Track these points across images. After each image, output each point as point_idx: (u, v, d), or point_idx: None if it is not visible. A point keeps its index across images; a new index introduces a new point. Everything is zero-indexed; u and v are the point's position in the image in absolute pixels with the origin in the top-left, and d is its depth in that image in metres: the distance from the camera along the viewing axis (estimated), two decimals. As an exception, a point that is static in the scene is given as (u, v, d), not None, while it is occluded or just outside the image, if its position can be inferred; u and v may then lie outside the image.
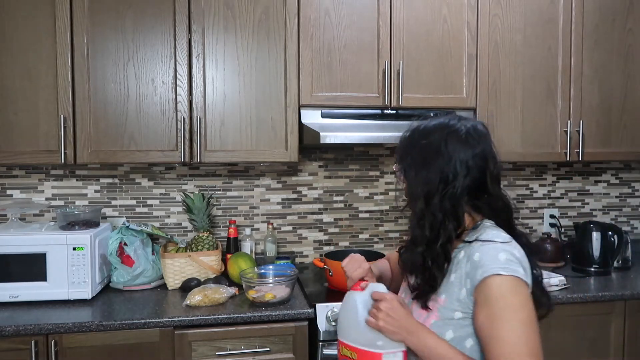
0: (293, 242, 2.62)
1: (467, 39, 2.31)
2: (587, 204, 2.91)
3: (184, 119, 2.13)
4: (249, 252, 2.42)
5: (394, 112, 2.27)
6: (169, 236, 2.39)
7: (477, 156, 1.14)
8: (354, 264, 1.29)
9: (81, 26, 2.05)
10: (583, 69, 2.42)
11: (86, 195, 2.42)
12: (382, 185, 2.69)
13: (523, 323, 1.03)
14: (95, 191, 2.43)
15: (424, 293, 1.16)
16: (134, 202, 2.46)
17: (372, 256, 1.69)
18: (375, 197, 2.68)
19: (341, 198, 2.65)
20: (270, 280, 2.04)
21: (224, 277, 2.19)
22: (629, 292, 2.15)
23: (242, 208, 2.56)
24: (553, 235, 2.69)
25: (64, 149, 2.04)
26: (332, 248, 2.64)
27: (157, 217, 2.48)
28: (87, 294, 1.99)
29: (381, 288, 1.19)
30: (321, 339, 1.89)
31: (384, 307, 1.13)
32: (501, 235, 1.12)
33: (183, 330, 1.85)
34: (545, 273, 2.26)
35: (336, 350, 1.47)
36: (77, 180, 2.41)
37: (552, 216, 2.82)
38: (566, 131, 2.41)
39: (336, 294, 2.06)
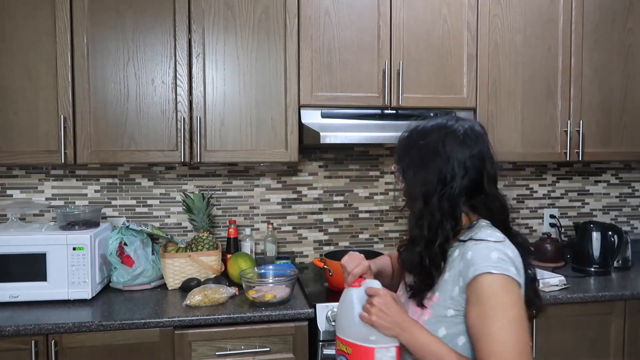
0: (293, 242, 2.62)
1: (467, 39, 2.31)
2: (587, 204, 2.91)
3: (184, 119, 2.13)
4: (249, 252, 2.42)
5: (394, 112, 2.27)
6: (169, 236, 2.39)
7: (475, 156, 1.15)
8: (354, 261, 1.30)
9: (81, 26, 2.05)
10: (583, 69, 2.42)
11: (86, 195, 2.42)
12: (382, 185, 2.69)
13: (513, 322, 1.04)
14: (95, 191, 2.43)
15: (420, 291, 1.17)
16: (134, 202, 2.46)
17: (372, 256, 1.68)
18: (375, 197, 2.68)
19: (341, 198, 2.65)
20: (270, 280, 2.04)
21: (224, 277, 2.19)
22: (629, 292, 2.15)
23: (242, 208, 2.56)
24: (553, 235, 2.69)
25: (64, 149, 2.04)
26: (332, 248, 2.64)
27: (157, 217, 2.48)
28: (87, 294, 1.99)
29: (376, 284, 1.22)
30: (321, 339, 1.89)
31: (376, 303, 1.15)
32: (495, 234, 1.13)
33: (183, 330, 1.85)
34: (545, 273, 2.27)
35: (336, 350, 1.48)
36: (77, 180, 2.41)
37: (552, 216, 2.82)
38: (566, 131, 2.41)
39: (336, 294, 2.04)
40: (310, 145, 2.49)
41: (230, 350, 1.87)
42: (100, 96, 2.08)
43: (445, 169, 1.14)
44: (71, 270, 1.97)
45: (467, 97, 2.32)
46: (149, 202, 2.47)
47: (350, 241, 2.67)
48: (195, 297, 1.93)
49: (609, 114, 2.47)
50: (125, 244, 2.14)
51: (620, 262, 2.49)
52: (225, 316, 1.86)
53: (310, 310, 1.92)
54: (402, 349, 1.15)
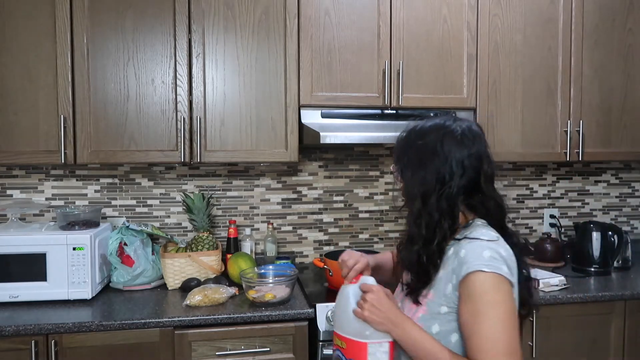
0: (293, 242, 2.62)
1: (467, 39, 2.31)
2: (587, 204, 2.91)
3: (184, 119, 2.13)
4: (249, 252, 2.42)
5: (394, 112, 2.27)
6: (169, 236, 2.39)
7: (473, 156, 1.16)
8: (354, 258, 1.31)
9: (81, 26, 2.05)
10: (583, 69, 2.42)
11: (86, 195, 2.42)
12: (382, 185, 2.69)
13: (503, 320, 1.05)
14: (95, 191, 2.43)
15: (416, 289, 1.19)
16: (134, 202, 2.46)
17: (372, 256, 1.69)
18: (375, 197, 2.68)
19: (341, 198, 2.65)
20: (270, 280, 2.04)
21: (224, 277, 2.19)
22: (629, 292, 2.15)
23: (242, 208, 2.56)
24: (553, 235, 2.69)
25: (64, 149, 2.04)
26: (332, 248, 2.64)
27: (157, 217, 2.48)
28: (87, 294, 1.99)
29: (370, 280, 1.24)
30: (321, 339, 1.90)
31: (369, 299, 1.17)
32: (489, 233, 1.14)
33: (183, 330, 1.85)
34: (545, 273, 2.27)
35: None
36: (77, 180, 2.41)
37: (552, 216, 2.82)
38: (566, 131, 2.41)
39: (336, 294, 2.05)
40: (310, 145, 2.49)
41: (230, 350, 1.87)
42: (100, 96, 2.08)
43: (444, 168, 1.15)
44: (71, 270, 1.97)
45: (467, 97, 2.32)
46: (149, 202, 2.47)
47: (350, 241, 2.67)
48: (195, 297, 1.93)
49: (609, 114, 2.47)
50: (125, 244, 2.14)
51: (620, 262, 2.49)
52: (225, 316, 1.86)
53: (310, 310, 1.92)
54: (396, 345, 1.17)
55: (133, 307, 1.94)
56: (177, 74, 2.13)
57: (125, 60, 2.10)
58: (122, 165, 2.43)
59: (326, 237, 2.65)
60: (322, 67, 2.21)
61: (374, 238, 2.69)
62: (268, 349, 1.89)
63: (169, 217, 2.49)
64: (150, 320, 1.81)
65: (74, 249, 1.98)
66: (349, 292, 1.24)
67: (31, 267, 1.95)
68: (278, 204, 2.59)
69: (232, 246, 2.39)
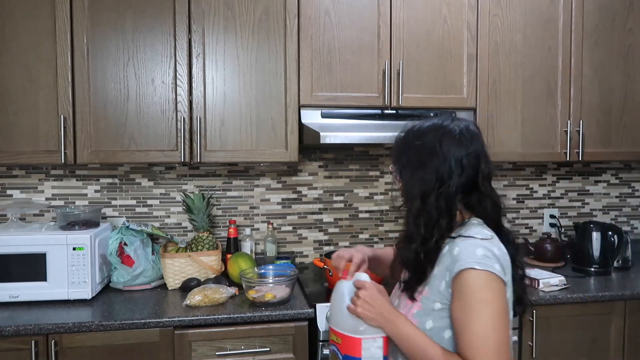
0: (293, 242, 2.62)
1: (467, 39, 2.31)
2: (587, 204, 2.91)
3: (184, 119, 2.13)
4: (249, 252, 2.42)
5: (394, 112, 2.27)
6: (169, 236, 2.39)
7: (471, 155, 1.17)
8: (349, 252, 1.36)
9: (81, 26, 2.05)
10: (583, 69, 2.42)
11: (86, 195, 2.42)
12: (382, 185, 2.69)
13: (494, 318, 1.07)
14: (95, 191, 2.43)
15: (412, 285, 1.20)
16: (134, 202, 2.46)
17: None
18: (375, 197, 2.68)
19: (341, 198, 2.65)
20: (270, 280, 2.04)
21: (224, 277, 2.19)
22: (629, 292, 2.15)
23: (242, 208, 2.56)
24: (553, 235, 2.69)
25: (64, 149, 2.04)
26: (332, 248, 2.64)
27: (157, 217, 2.48)
28: (87, 294, 1.99)
29: (364, 277, 1.26)
30: (321, 339, 1.90)
31: (362, 295, 1.19)
32: (483, 232, 1.16)
33: (183, 330, 1.85)
34: (545, 273, 2.27)
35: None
36: (77, 180, 2.41)
37: (552, 216, 2.82)
38: (566, 131, 2.41)
39: (336, 294, 2.06)
40: (310, 145, 2.49)
41: (230, 350, 1.87)
42: (100, 96, 2.08)
43: (443, 168, 1.16)
44: (71, 270, 1.97)
45: (467, 97, 2.32)
46: (149, 202, 2.47)
47: (350, 241, 2.67)
48: (195, 297, 1.93)
49: (609, 114, 2.47)
50: (125, 244, 2.14)
51: (620, 262, 2.49)
52: (225, 316, 1.86)
53: (310, 310, 1.92)
54: (390, 340, 1.19)
55: (133, 307, 1.94)
56: (177, 74, 2.13)
57: (125, 60, 2.10)
58: (122, 165, 2.43)
59: (326, 237, 2.65)
60: (322, 67, 2.21)
61: (374, 238, 2.69)
62: (268, 349, 1.89)
63: (169, 217, 2.49)
64: (150, 320, 1.81)
65: (74, 249, 1.98)
66: (344, 289, 1.26)
67: (31, 267, 1.96)
68: (278, 204, 2.59)
69: (232, 246, 2.39)
